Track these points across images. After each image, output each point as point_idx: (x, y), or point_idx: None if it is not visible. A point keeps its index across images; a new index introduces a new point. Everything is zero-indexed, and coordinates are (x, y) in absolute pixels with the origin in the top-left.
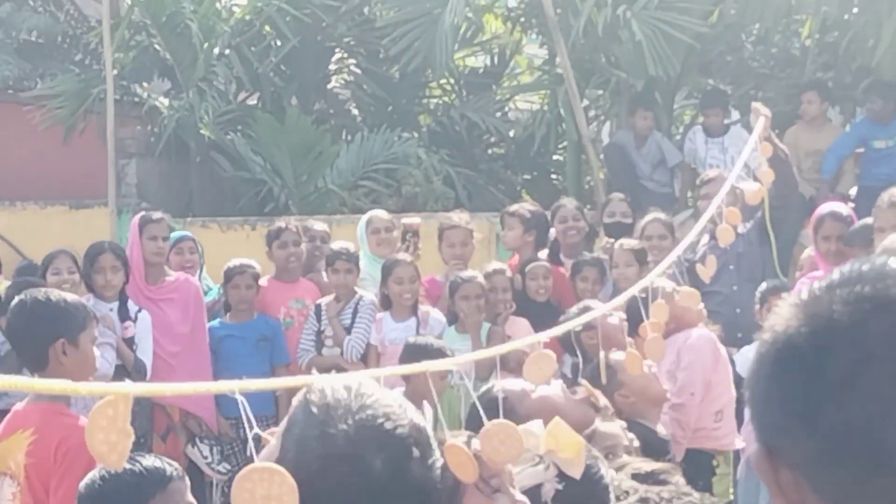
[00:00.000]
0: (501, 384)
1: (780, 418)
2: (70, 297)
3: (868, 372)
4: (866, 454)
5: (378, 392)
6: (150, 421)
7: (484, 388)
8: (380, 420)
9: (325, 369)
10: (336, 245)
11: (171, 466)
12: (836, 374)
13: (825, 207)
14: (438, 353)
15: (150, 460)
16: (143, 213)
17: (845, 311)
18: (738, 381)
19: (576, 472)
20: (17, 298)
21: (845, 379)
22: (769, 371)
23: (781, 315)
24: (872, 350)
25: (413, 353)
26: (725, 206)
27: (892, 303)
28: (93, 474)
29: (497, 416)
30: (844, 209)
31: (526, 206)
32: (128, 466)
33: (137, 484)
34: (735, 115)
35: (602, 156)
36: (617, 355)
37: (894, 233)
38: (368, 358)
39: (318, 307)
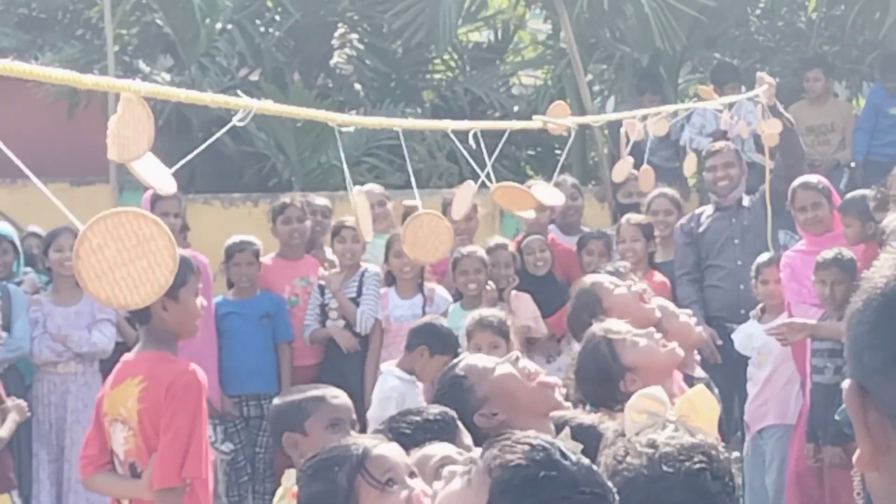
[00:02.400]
0: (466, 360)
1: (879, 362)
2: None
3: None
4: None
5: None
6: None
7: (449, 365)
8: None
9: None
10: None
11: None
12: None
13: (797, 180)
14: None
15: None
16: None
17: None
18: (739, 358)
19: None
20: None
21: None
22: (873, 316)
23: (887, 263)
24: None
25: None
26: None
27: None
28: None
29: (458, 394)
30: (815, 178)
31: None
32: None
33: None
34: (742, 89)
35: (606, 131)
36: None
37: None
38: (374, 333)
39: (320, 284)
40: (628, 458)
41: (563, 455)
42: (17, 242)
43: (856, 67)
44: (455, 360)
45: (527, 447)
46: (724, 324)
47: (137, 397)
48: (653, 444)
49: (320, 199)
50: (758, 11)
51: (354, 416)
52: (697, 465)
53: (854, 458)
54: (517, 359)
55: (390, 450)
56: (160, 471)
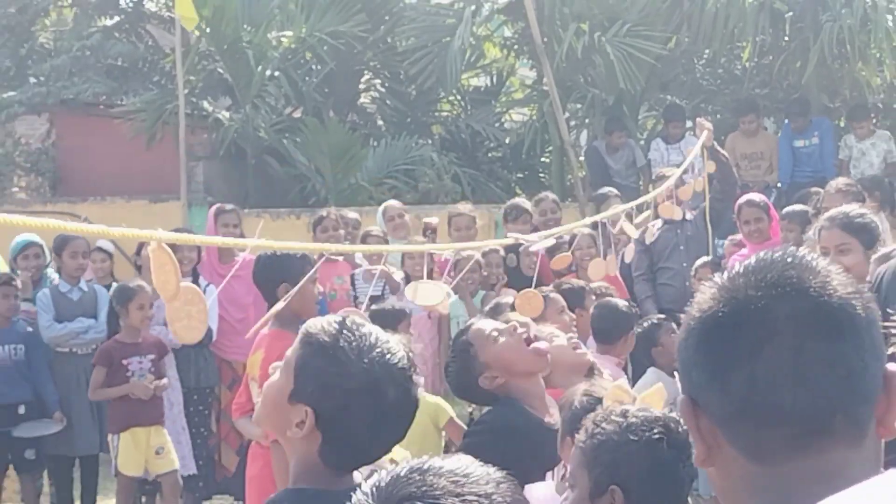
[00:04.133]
0: (475, 326)
1: (702, 378)
2: (293, 251)
3: (771, 346)
4: (767, 411)
5: (372, 329)
6: (217, 374)
7: (462, 328)
8: (387, 356)
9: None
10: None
11: None
12: (746, 346)
13: (742, 198)
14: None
15: None
16: (218, 205)
17: (755, 295)
18: None
19: None
20: (258, 255)
21: (753, 351)
22: (695, 340)
23: (706, 294)
24: (776, 328)
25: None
26: (666, 197)
27: (794, 289)
28: None
29: (466, 359)
30: (758, 197)
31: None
32: None
33: None
34: (689, 123)
35: (581, 158)
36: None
37: None
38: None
39: (352, 276)
40: (603, 424)
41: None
42: (46, 249)
43: (781, 107)
44: (468, 324)
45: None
46: (675, 314)
47: (259, 364)
48: (624, 415)
49: (351, 213)
50: (702, 61)
51: None
52: (657, 435)
53: (693, 459)
54: (515, 328)
55: None
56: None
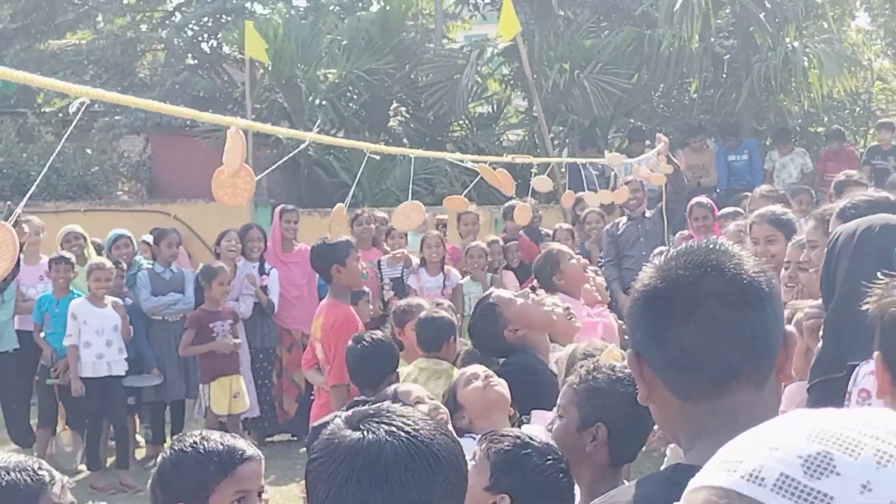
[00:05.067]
0: (496, 292)
1: (644, 338)
2: (338, 239)
3: (696, 315)
4: (693, 363)
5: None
6: (277, 338)
7: (484, 294)
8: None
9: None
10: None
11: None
12: (677, 315)
13: (693, 200)
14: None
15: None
16: (282, 205)
17: (684, 274)
18: None
19: None
20: (312, 245)
21: (682, 318)
22: (639, 309)
23: (647, 272)
24: (699, 300)
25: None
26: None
27: (714, 269)
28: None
29: (492, 316)
30: (705, 199)
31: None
32: (199, 447)
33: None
34: (647, 142)
35: (563, 169)
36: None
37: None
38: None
39: (378, 262)
40: (595, 373)
41: (531, 439)
42: (134, 240)
43: (719, 129)
44: (488, 292)
45: (509, 437)
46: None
47: (320, 328)
48: (612, 369)
49: (380, 213)
50: (658, 93)
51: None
52: None
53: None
54: (528, 294)
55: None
56: (332, 375)
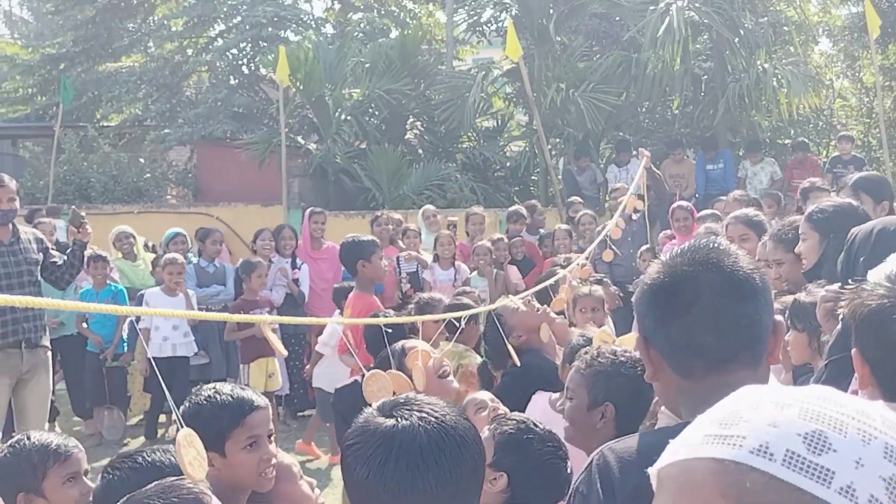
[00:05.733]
0: (503, 304)
1: (651, 325)
2: (363, 236)
3: (697, 305)
4: (694, 348)
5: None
6: (307, 326)
7: (493, 306)
8: None
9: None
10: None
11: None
12: (681, 305)
13: (675, 204)
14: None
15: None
16: (310, 208)
17: (688, 269)
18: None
19: None
20: (342, 242)
21: (685, 308)
22: (647, 299)
23: (655, 267)
24: (700, 292)
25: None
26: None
27: (714, 265)
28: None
29: (499, 324)
30: (686, 203)
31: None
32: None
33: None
34: (634, 152)
35: (559, 177)
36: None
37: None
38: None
39: (397, 258)
40: (599, 359)
41: (535, 425)
42: (189, 238)
43: (698, 142)
44: (497, 304)
45: (514, 420)
46: (625, 285)
47: (347, 316)
48: (614, 353)
49: (396, 215)
50: (644, 109)
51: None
52: (640, 371)
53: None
54: (529, 301)
55: None
56: (362, 357)
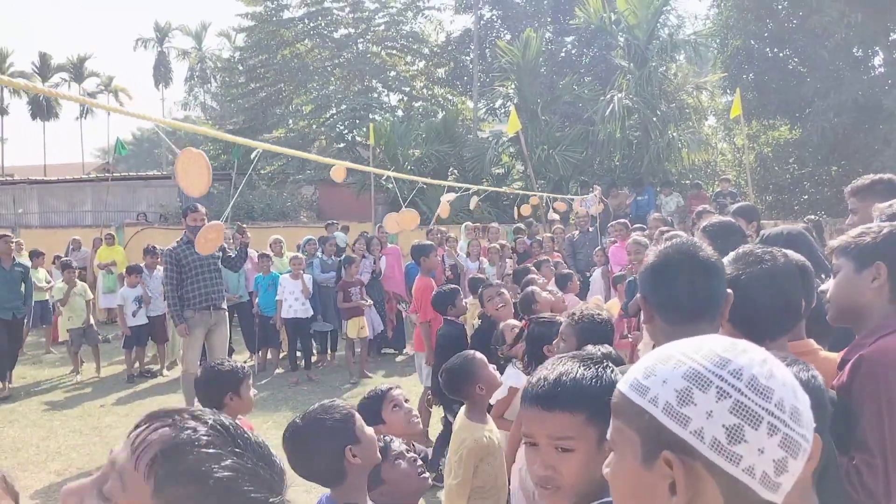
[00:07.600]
0: (531, 288)
1: (649, 289)
2: (424, 241)
3: (678, 279)
4: (676, 305)
5: None
6: (384, 294)
7: (524, 292)
8: None
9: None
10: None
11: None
12: (667, 278)
13: (614, 221)
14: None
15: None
16: (380, 224)
17: (674, 255)
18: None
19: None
20: (412, 245)
21: (670, 280)
22: (646, 274)
23: (651, 253)
24: (681, 269)
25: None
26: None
27: (690, 252)
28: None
29: (532, 305)
30: (623, 220)
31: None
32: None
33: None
34: (591, 189)
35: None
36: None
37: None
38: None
39: (442, 256)
40: (584, 314)
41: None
42: (317, 241)
43: (632, 182)
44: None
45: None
46: (585, 273)
47: (414, 291)
48: (599, 312)
49: (442, 228)
50: (596, 163)
51: None
52: (608, 326)
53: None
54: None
55: None
56: (421, 316)
